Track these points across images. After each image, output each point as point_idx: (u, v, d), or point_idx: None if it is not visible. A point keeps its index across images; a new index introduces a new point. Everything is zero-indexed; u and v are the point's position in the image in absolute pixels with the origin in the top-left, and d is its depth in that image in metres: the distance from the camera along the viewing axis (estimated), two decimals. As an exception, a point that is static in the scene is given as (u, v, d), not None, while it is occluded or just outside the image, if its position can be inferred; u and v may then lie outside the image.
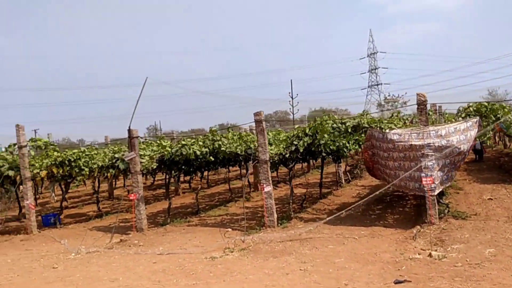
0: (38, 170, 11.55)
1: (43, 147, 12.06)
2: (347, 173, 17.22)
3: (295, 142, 9.06)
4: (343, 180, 16.16)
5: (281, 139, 11.59)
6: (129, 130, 10.33)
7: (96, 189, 14.63)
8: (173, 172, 11.65)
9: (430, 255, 6.50)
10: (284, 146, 9.36)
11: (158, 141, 10.60)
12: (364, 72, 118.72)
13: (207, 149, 10.01)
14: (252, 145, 9.81)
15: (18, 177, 11.77)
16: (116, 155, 11.03)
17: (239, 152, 9.69)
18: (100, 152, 12.41)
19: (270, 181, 9.33)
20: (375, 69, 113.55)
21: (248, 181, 16.50)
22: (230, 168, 17.50)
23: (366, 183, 16.36)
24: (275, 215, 9.44)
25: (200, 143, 10.23)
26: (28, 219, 11.59)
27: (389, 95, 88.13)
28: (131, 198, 10.40)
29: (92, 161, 12.35)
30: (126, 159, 10.32)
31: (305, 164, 20.46)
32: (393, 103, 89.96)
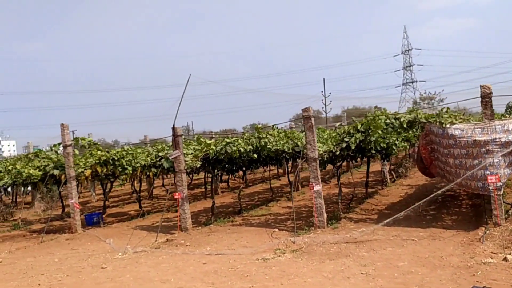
0: (82, 169, 11.52)
1: (87, 146, 12.04)
2: (392, 172, 16.62)
3: (346, 139, 8.65)
4: (388, 179, 15.57)
5: (325, 136, 11.15)
6: (174, 128, 10.14)
7: (137, 188, 14.58)
8: (215, 171, 11.41)
9: (505, 259, 5.97)
10: (334, 143, 8.95)
11: (202, 139, 10.35)
12: (399, 69, 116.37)
13: (251, 147, 9.70)
14: (299, 143, 9.44)
15: (62, 176, 11.79)
16: (160, 154, 10.87)
17: (286, 150, 9.35)
18: (144, 151, 12.30)
19: (319, 180, 8.94)
20: (409, 66, 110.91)
21: (289, 180, 16.14)
22: (266, 167, 17.18)
23: (412, 182, 15.73)
24: (325, 215, 9.05)
25: (243, 141, 9.94)
26: (72, 218, 11.58)
27: (425, 93, 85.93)
28: (175, 197, 10.21)
29: (135, 160, 12.27)
30: (170, 158, 10.14)
31: (344, 163, 19.98)
32: (429, 100, 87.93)
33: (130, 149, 12.25)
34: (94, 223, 13.18)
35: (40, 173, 13.11)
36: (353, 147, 8.44)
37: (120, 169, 12.01)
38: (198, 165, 10.41)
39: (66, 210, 14.98)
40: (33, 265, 8.38)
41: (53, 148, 11.89)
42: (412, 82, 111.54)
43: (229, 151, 9.85)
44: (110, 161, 11.63)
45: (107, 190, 13.17)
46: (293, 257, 7.20)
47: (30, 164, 12.65)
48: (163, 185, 20.52)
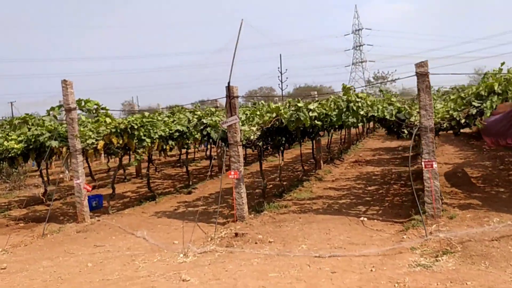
0: (93, 140, 8.85)
1: (93, 111, 9.32)
2: None
3: (475, 103, 6.72)
4: None
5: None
6: (229, 87, 7.77)
7: (150, 163, 12.01)
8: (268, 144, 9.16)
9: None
10: (458, 108, 6.98)
11: (264, 102, 8.03)
12: (349, 49, 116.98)
13: (335, 112, 7.57)
14: (402, 109, 7.41)
15: (64, 149, 9.05)
16: (204, 120, 8.40)
17: (388, 117, 7.29)
18: (175, 118, 9.78)
19: (435, 156, 7.00)
20: (359, 46, 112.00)
21: (314, 156, 14.16)
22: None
23: None
24: (440, 202, 7.15)
25: (321, 105, 7.77)
26: (80, 204, 8.93)
27: (378, 72, 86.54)
28: (230, 176, 7.89)
29: (154, 130, 9.73)
30: (225, 126, 7.77)
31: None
32: (382, 80, 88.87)
33: (150, 116, 9.67)
34: (94, 208, 10.55)
35: (22, 146, 10.27)
36: (488, 114, 6.54)
37: (136, 141, 9.45)
38: (256, 137, 8.13)
39: (48, 191, 12.14)
40: (60, 275, 5.88)
41: (51, 112, 9.03)
42: (362, 62, 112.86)
43: (301, 118, 7.66)
44: (129, 130, 9.04)
45: (117, 168, 10.44)
46: (458, 261, 5.23)
47: (13, 134, 9.74)
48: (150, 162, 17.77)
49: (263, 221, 7.98)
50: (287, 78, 74.44)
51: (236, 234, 6.94)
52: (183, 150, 15.45)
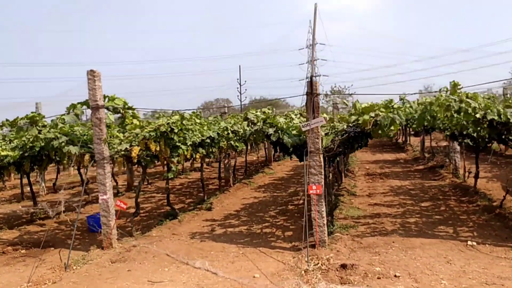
0: (127, 145, 7.11)
1: (120, 110, 7.55)
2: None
3: None
4: None
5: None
6: (311, 82, 6.39)
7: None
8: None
9: None
10: None
11: (357, 103, 6.66)
12: (303, 63, 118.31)
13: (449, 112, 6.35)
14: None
15: (86, 157, 7.23)
16: (273, 123, 6.87)
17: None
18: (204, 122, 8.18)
19: None
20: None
21: (339, 169, 12.92)
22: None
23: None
24: None
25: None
26: (107, 226, 7.12)
27: (335, 86, 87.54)
28: (310, 192, 6.45)
29: (190, 136, 8.12)
30: (307, 128, 6.34)
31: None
32: (339, 94, 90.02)
33: (191, 118, 8.05)
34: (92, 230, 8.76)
35: (18, 153, 8.38)
36: None
37: (170, 148, 7.80)
38: (335, 145, 6.76)
39: (39, 203, 10.08)
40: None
41: (74, 111, 7.15)
42: (316, 76, 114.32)
43: (397, 121, 6.41)
44: (168, 133, 7.39)
45: (141, 181, 8.59)
46: None
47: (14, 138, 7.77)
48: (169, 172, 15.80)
49: (347, 246, 6.59)
50: (246, 89, 73.39)
51: (344, 266, 5.49)
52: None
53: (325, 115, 8.81)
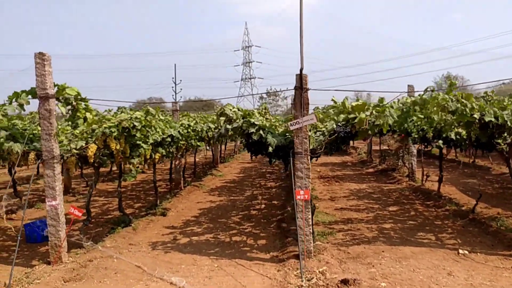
0: (83, 143, 6.05)
1: (72, 101, 6.45)
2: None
3: None
4: None
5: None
6: (301, 76, 5.76)
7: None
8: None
9: None
10: None
11: (345, 102, 6.09)
12: (238, 64, 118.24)
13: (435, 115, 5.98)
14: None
15: (31, 155, 6.08)
16: (255, 121, 6.13)
17: (510, 124, 5.85)
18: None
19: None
20: (249, 62, 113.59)
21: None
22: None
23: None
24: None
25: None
26: (54, 236, 6.02)
27: (270, 89, 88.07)
28: (298, 197, 5.81)
29: (152, 133, 7.20)
30: (296, 127, 5.69)
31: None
32: (274, 96, 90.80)
33: (155, 112, 7.11)
34: (45, 239, 7.55)
35: None
36: None
37: (130, 147, 6.83)
38: (322, 146, 6.19)
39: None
40: None
41: (18, 100, 5.94)
42: (251, 79, 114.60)
43: (390, 122, 5.97)
44: (130, 130, 6.43)
45: (94, 183, 7.39)
46: None
47: None
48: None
49: (335, 257, 6.04)
50: (181, 89, 71.88)
51: (345, 282, 4.89)
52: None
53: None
